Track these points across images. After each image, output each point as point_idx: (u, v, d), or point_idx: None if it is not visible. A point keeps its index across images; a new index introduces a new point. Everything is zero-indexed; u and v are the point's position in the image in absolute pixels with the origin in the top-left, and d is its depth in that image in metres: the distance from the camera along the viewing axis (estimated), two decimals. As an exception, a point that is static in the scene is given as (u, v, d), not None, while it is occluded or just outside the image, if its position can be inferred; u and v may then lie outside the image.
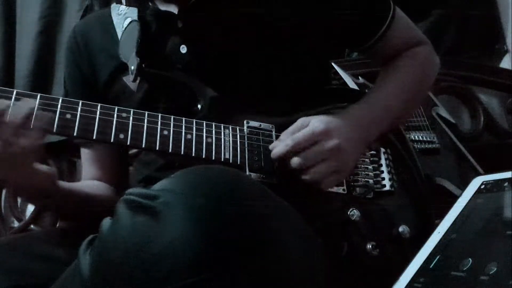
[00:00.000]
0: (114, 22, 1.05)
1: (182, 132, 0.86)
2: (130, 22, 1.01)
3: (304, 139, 0.87)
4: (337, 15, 1.01)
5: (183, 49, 0.98)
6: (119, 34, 1.02)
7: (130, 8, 1.04)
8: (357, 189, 0.93)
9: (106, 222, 0.66)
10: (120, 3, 1.03)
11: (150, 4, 1.01)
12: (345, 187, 0.92)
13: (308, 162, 0.86)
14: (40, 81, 2.04)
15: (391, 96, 1.02)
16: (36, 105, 0.80)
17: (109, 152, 1.10)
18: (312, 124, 0.89)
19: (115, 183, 1.11)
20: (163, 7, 1.00)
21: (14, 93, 0.81)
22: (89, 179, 1.11)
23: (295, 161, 0.86)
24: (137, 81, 0.96)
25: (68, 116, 0.82)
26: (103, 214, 0.69)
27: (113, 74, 1.03)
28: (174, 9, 0.99)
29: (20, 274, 0.85)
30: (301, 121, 0.90)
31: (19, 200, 1.98)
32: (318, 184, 0.88)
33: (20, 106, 0.80)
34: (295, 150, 0.87)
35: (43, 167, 0.88)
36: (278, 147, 0.88)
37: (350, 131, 0.91)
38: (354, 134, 0.92)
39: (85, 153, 1.12)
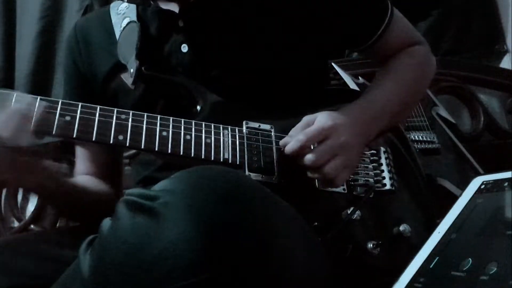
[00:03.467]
0: (113, 21, 1.06)
1: (181, 132, 0.86)
2: (129, 23, 1.02)
3: (315, 134, 0.87)
4: (336, 16, 1.02)
5: (184, 48, 0.98)
6: (117, 34, 1.03)
7: (129, 7, 1.04)
8: (358, 188, 0.93)
9: (106, 222, 0.66)
10: (122, 0, 1.04)
11: (152, 2, 1.01)
12: (345, 187, 0.92)
13: (322, 158, 0.86)
14: (40, 81, 2.04)
15: (389, 93, 1.02)
16: (36, 108, 0.81)
17: (103, 149, 1.10)
18: (319, 120, 0.89)
19: (108, 179, 1.11)
20: (164, 6, 1.00)
21: (15, 95, 0.81)
22: (82, 174, 1.12)
23: (309, 157, 0.86)
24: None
25: (68, 118, 0.82)
26: (103, 212, 0.70)
27: (111, 72, 1.03)
28: (175, 7, 0.99)
29: (20, 274, 0.85)
30: (307, 118, 0.91)
31: (19, 200, 1.99)
32: (332, 180, 0.88)
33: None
34: (307, 146, 0.87)
35: (50, 165, 0.90)
36: (291, 143, 0.87)
37: (354, 127, 0.92)
38: (358, 130, 0.92)
39: (79, 149, 1.13)
